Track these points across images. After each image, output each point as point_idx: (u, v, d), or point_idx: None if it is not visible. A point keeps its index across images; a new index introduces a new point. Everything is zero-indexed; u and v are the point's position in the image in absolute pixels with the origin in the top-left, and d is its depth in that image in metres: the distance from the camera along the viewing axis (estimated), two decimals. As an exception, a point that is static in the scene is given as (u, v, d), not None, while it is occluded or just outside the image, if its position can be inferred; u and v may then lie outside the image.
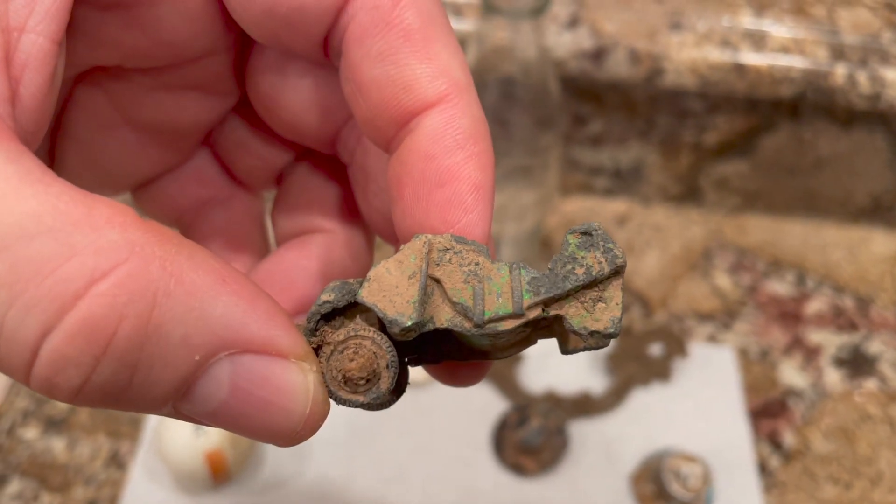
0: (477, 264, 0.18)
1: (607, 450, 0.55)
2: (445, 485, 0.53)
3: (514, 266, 0.18)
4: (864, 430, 0.57)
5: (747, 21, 0.61)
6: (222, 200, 0.23)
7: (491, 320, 0.18)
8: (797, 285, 0.66)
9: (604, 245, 0.18)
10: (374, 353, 0.18)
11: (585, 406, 0.56)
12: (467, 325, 0.18)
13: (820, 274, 0.67)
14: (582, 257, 0.18)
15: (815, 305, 0.65)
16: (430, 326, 0.18)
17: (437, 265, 0.18)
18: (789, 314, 0.64)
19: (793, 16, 0.61)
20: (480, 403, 0.57)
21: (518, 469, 0.54)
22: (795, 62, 0.60)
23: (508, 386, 0.58)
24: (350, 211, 0.22)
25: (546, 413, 0.55)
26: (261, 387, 0.16)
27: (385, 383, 0.18)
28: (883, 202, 0.69)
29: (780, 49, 0.60)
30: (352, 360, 0.18)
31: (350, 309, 0.18)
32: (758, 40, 0.60)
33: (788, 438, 0.57)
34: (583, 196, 0.72)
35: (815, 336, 0.63)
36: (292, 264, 0.22)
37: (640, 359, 0.58)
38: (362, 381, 0.18)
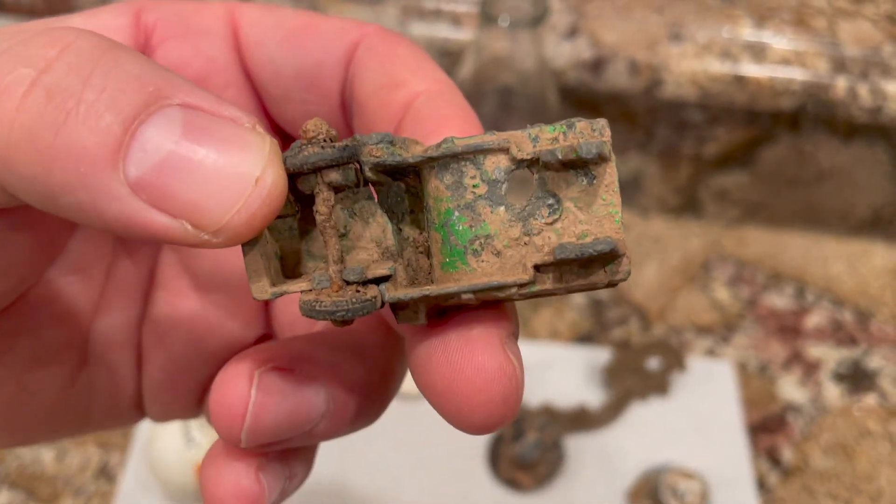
0: None
1: (604, 465, 0.55)
2: (440, 498, 0.52)
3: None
4: (863, 446, 0.57)
5: (748, 32, 0.61)
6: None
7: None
8: (797, 298, 0.65)
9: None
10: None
11: (582, 420, 0.56)
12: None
13: (820, 287, 0.66)
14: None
15: (815, 319, 0.64)
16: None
17: None
18: (788, 328, 0.63)
19: (793, 27, 0.61)
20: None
21: (514, 484, 0.53)
22: (796, 74, 0.59)
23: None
24: None
25: (542, 427, 0.54)
26: (214, 134, 0.15)
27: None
28: (883, 215, 0.69)
29: (781, 61, 0.60)
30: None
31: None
32: (758, 52, 0.60)
33: (787, 454, 0.56)
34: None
35: (815, 350, 0.62)
36: None
37: (638, 373, 0.57)
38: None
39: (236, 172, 0.15)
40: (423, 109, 0.19)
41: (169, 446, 0.48)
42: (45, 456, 0.53)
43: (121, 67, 0.15)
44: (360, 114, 0.20)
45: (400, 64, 0.19)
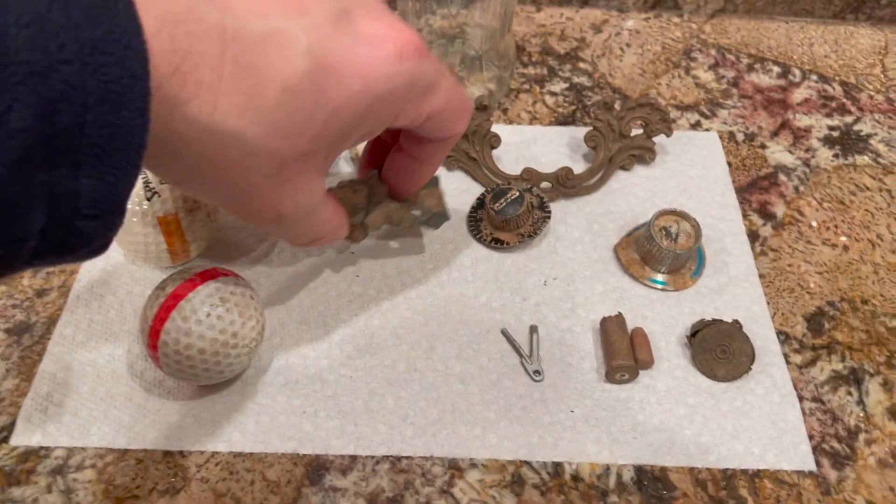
0: None
1: (590, 225, 0.52)
2: (423, 260, 0.49)
3: None
4: (860, 198, 0.54)
5: None
6: None
7: None
8: (782, 77, 0.63)
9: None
10: None
11: (566, 182, 0.53)
12: None
13: (806, 67, 0.64)
14: None
15: (803, 93, 0.62)
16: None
17: None
18: (776, 101, 0.61)
19: None
20: (454, 192, 0.54)
21: (497, 243, 0.50)
22: None
23: (482, 174, 0.54)
24: None
25: (524, 189, 0.52)
26: None
27: None
28: (868, -3, 0.66)
29: None
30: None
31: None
32: None
33: (780, 209, 0.54)
34: (557, 6, 0.68)
35: (805, 120, 0.60)
36: None
37: (623, 138, 0.55)
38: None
39: None
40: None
41: (129, 204, 0.45)
42: None
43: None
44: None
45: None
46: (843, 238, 0.52)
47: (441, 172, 0.55)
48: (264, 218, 0.34)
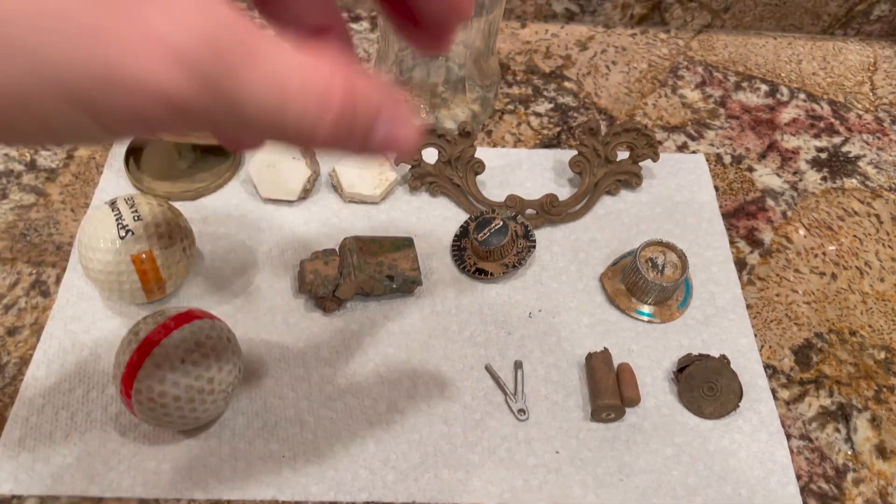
0: None
1: (576, 254, 0.51)
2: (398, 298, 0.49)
3: None
4: (849, 224, 0.54)
5: None
6: None
7: None
8: (770, 96, 0.62)
9: None
10: None
11: (551, 209, 0.52)
12: None
13: (794, 85, 0.63)
14: None
15: (791, 113, 0.61)
16: None
17: None
18: (763, 121, 0.60)
19: None
20: (437, 219, 0.53)
21: (481, 274, 0.49)
22: None
23: (466, 201, 0.53)
24: None
25: (508, 217, 0.51)
26: None
27: None
28: (857, 12, 0.66)
29: None
30: None
31: None
32: None
33: (768, 236, 0.53)
34: (543, 22, 0.67)
35: (793, 141, 0.59)
36: None
37: (608, 164, 0.54)
38: None
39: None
40: None
41: (101, 242, 0.43)
42: (-29, 276, 0.49)
43: None
44: None
45: None
46: (832, 266, 0.51)
47: (424, 199, 0.54)
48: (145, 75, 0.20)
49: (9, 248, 0.50)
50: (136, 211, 0.44)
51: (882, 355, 0.47)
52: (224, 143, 0.31)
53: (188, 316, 0.40)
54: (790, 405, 0.45)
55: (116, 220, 0.44)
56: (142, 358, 0.39)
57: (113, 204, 0.45)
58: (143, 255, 0.44)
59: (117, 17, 0.19)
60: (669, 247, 0.48)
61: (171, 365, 0.38)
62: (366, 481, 0.41)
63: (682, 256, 0.48)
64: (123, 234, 0.43)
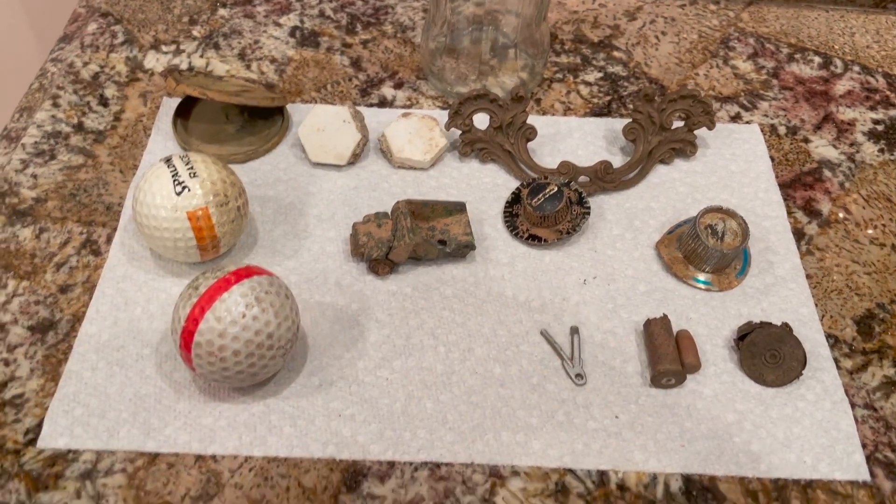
0: None
1: (631, 222, 0.50)
2: (452, 264, 0.48)
3: None
4: (907, 195, 0.53)
5: None
6: None
7: None
8: (824, 68, 0.61)
9: None
10: None
11: (605, 176, 0.51)
12: None
13: (847, 57, 0.62)
14: None
15: (846, 85, 0.60)
16: None
17: None
18: (818, 93, 0.59)
19: None
20: (487, 185, 0.52)
21: (534, 240, 0.49)
22: None
23: (517, 167, 0.53)
24: None
25: (563, 184, 0.50)
26: None
27: None
28: (911, -15, 0.64)
29: None
30: None
31: None
32: None
33: (826, 206, 0.52)
34: (588, -7, 0.66)
35: (848, 113, 0.58)
36: None
37: (663, 132, 0.53)
38: None
39: None
40: None
41: (158, 198, 0.43)
42: (21, 234, 0.48)
43: None
44: None
45: None
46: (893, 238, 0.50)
47: (474, 166, 0.53)
48: None
49: (59, 208, 0.50)
50: (191, 168, 0.44)
51: (946, 327, 0.46)
52: None
53: (248, 271, 0.40)
54: (853, 375, 0.44)
55: (172, 176, 0.43)
56: (202, 312, 0.38)
57: (168, 161, 0.44)
58: (199, 212, 0.43)
59: None
60: (730, 214, 0.47)
61: (232, 319, 0.38)
62: (424, 441, 0.41)
63: (742, 224, 0.47)
64: (179, 191, 0.43)
